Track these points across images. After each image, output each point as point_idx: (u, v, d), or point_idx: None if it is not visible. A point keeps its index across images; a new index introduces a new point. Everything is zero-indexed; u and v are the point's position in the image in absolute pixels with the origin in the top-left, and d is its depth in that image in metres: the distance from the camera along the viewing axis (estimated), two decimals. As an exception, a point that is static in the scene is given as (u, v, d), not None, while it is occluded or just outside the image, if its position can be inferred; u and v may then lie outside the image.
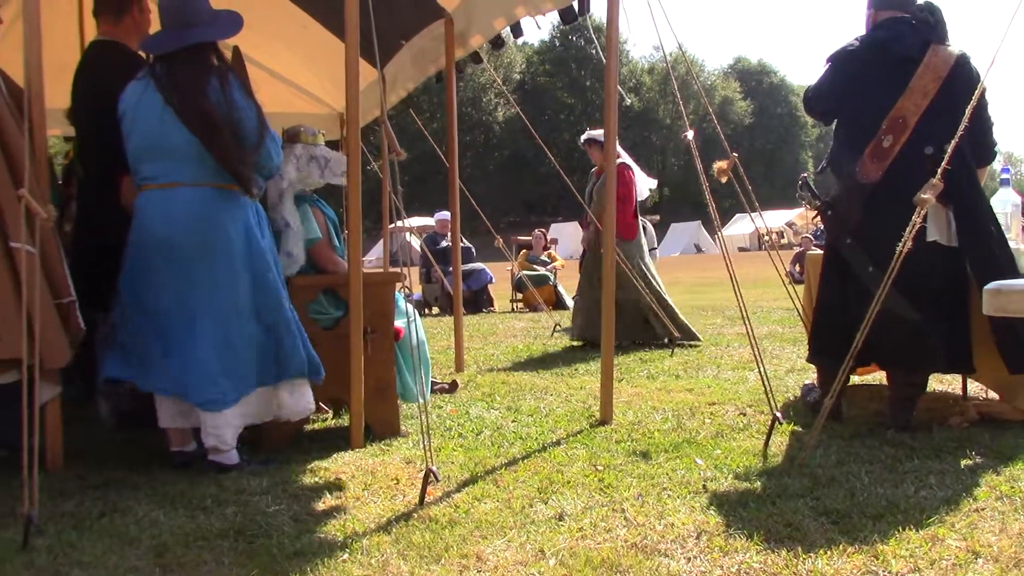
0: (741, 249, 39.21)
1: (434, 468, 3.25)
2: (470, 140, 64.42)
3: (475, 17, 6.12)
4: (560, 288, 13.14)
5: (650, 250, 9.19)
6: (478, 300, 13.04)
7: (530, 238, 14.27)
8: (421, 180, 47.01)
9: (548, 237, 14.79)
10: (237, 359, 3.68)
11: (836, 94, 4.26)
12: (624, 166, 7.54)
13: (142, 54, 3.99)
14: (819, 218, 4.34)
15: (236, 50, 4.32)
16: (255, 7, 6.47)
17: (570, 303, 12.60)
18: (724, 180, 4.74)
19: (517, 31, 6.07)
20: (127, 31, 4.34)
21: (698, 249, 47.13)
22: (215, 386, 3.61)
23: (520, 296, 13.10)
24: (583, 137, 8.00)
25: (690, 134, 4.48)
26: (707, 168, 4.72)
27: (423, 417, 3.45)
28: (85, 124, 4.44)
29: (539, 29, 5.74)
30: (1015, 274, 3.90)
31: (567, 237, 38.19)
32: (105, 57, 4.33)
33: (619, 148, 7.50)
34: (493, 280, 13.48)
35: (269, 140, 3.82)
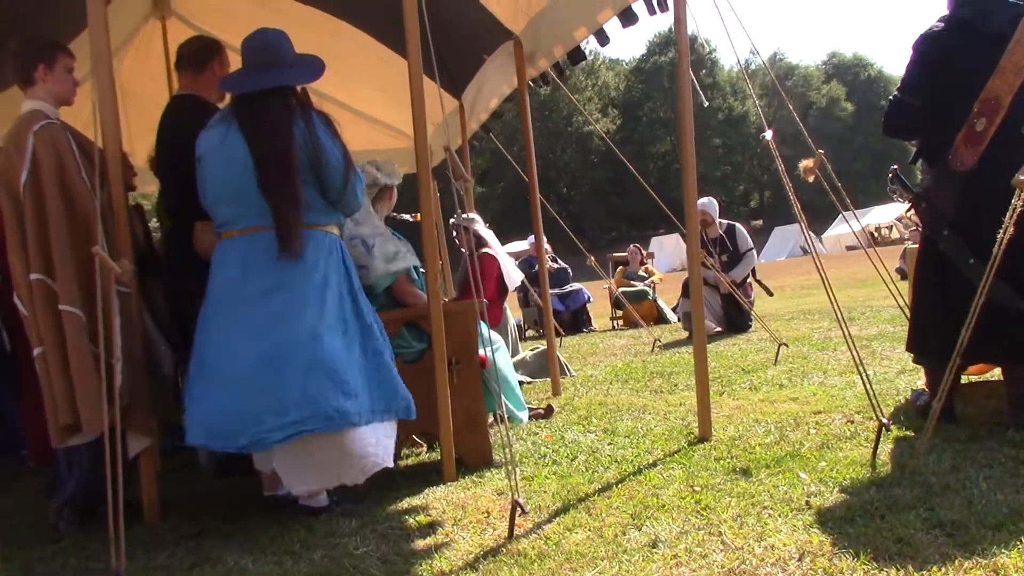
0: (849, 248, 38.15)
1: (521, 500, 3.15)
2: (566, 159, 64.32)
3: (540, 42, 6.14)
4: (660, 302, 12.91)
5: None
6: (577, 321, 12.91)
7: (626, 254, 14.06)
8: (516, 203, 47.15)
9: (645, 251, 14.58)
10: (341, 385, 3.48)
11: (926, 84, 4.03)
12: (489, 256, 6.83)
13: (218, 103, 4.02)
14: (912, 212, 4.12)
15: (304, 92, 4.30)
16: (334, 43, 6.56)
17: (671, 317, 12.38)
18: (811, 179, 4.56)
19: (576, 57, 6.16)
20: (207, 85, 4.34)
21: (804, 252, 46.01)
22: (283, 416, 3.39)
23: (619, 314, 12.92)
24: (451, 221, 6.90)
25: (768, 134, 4.30)
26: (793, 169, 4.55)
27: (508, 449, 3.36)
28: (167, 174, 4.50)
29: (606, 44, 5.74)
30: None
31: (667, 250, 37.77)
32: (182, 108, 4.38)
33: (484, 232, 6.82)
34: (591, 299, 13.32)
35: (355, 179, 3.73)
